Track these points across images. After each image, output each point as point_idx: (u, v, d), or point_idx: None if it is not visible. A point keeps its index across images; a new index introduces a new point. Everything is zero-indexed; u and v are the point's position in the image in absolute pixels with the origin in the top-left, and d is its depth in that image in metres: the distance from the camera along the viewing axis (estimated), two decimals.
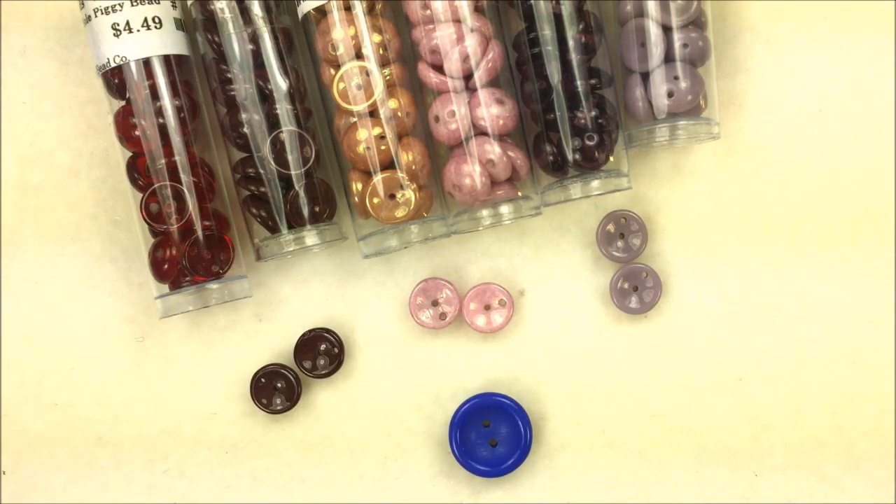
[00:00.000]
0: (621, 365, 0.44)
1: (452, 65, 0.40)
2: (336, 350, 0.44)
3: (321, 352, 0.44)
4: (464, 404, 0.43)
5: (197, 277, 0.41)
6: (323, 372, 0.44)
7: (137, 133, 0.41)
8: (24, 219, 0.45)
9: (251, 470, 0.44)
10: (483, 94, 0.40)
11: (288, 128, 0.41)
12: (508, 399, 0.43)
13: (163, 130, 0.41)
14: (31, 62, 0.45)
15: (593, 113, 0.40)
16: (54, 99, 0.45)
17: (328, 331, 0.44)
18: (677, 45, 0.40)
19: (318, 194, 0.41)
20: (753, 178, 0.44)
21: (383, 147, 0.40)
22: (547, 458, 0.44)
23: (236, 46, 0.41)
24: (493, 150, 0.40)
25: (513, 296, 0.44)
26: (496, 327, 0.43)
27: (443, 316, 0.43)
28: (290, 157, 0.41)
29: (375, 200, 0.41)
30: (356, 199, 0.41)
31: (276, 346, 0.45)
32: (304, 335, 0.44)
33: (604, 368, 0.44)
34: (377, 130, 0.40)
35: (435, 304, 0.44)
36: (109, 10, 0.40)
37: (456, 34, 0.40)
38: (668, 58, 0.41)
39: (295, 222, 0.41)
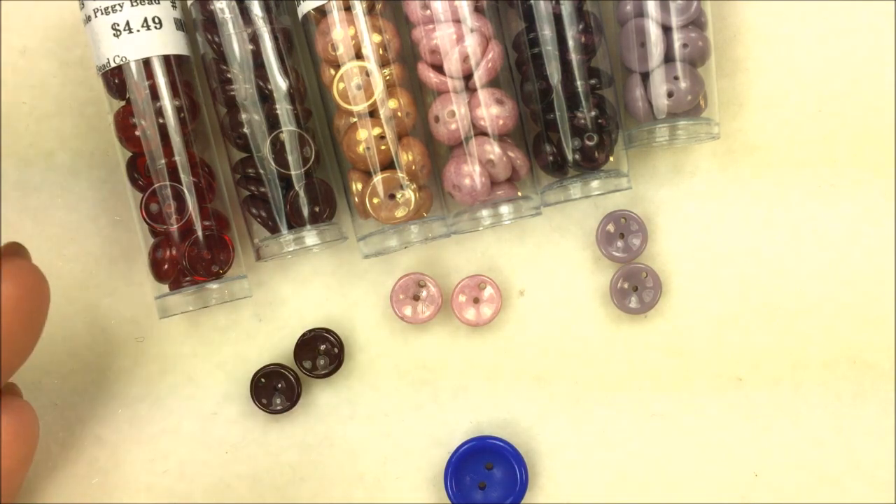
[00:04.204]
0: (621, 365, 0.44)
1: (452, 65, 0.40)
2: (336, 350, 0.44)
3: (321, 352, 0.44)
4: (458, 449, 0.43)
5: (197, 277, 0.41)
6: (323, 372, 0.44)
7: (137, 133, 0.41)
8: (24, 219, 0.45)
9: (251, 470, 0.44)
10: (483, 94, 0.40)
11: (288, 128, 0.41)
12: (502, 441, 0.43)
13: (163, 130, 0.41)
14: (31, 62, 0.45)
15: (593, 113, 0.40)
16: (54, 99, 0.45)
17: (328, 331, 0.44)
18: (677, 45, 0.40)
19: (318, 194, 0.41)
20: (753, 178, 0.44)
21: (383, 147, 0.40)
22: (547, 459, 0.44)
23: (236, 46, 0.41)
24: (493, 150, 0.40)
25: (512, 295, 0.44)
26: (485, 320, 0.43)
27: (423, 310, 0.43)
28: (290, 157, 0.41)
29: (375, 200, 0.41)
30: (356, 199, 0.41)
31: (276, 346, 0.45)
32: (304, 335, 0.44)
33: (604, 368, 0.44)
34: (377, 130, 0.40)
35: (416, 298, 0.44)
36: (109, 10, 0.40)
37: (456, 34, 0.40)
38: (668, 58, 0.41)
39: (295, 222, 0.41)
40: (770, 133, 0.44)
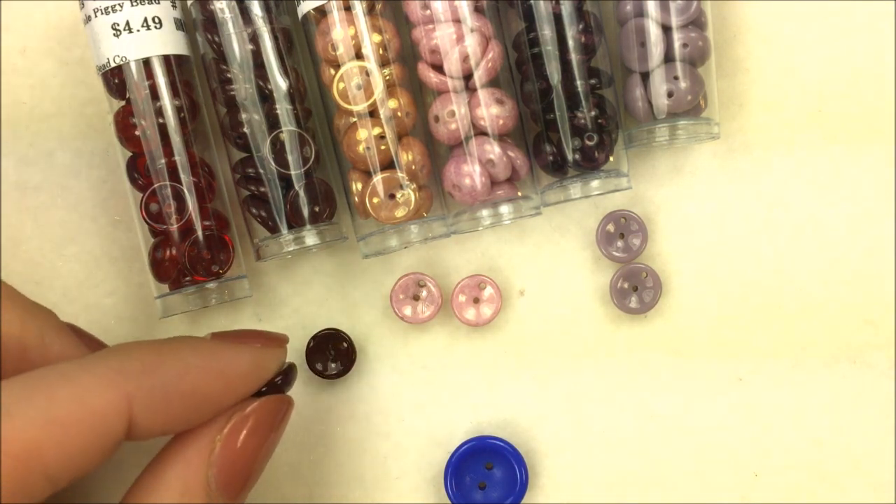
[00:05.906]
0: (621, 365, 0.44)
1: (452, 65, 0.40)
2: (348, 350, 0.43)
3: (332, 354, 0.43)
4: (458, 449, 0.43)
5: (197, 277, 0.41)
6: (333, 373, 0.43)
7: (137, 133, 0.41)
8: (24, 219, 0.45)
9: None
10: (483, 94, 0.40)
11: (288, 128, 0.41)
12: (502, 441, 0.43)
13: (163, 130, 0.41)
14: (31, 62, 0.45)
15: (593, 113, 0.40)
16: (54, 99, 0.45)
17: (341, 332, 0.43)
18: (677, 45, 0.40)
19: (318, 194, 0.41)
20: (753, 178, 0.44)
21: (383, 147, 0.40)
22: (547, 459, 0.44)
23: (236, 46, 0.41)
24: (493, 150, 0.40)
25: (512, 295, 0.44)
26: (485, 320, 0.43)
27: (423, 310, 0.43)
28: (290, 157, 0.41)
29: (375, 200, 0.41)
30: (356, 199, 0.41)
31: None
32: (316, 335, 0.43)
33: (604, 368, 0.44)
34: (377, 130, 0.40)
35: (416, 298, 0.44)
36: (109, 10, 0.40)
37: (456, 34, 0.40)
38: (668, 58, 0.41)
39: (295, 222, 0.41)
40: (770, 133, 0.44)
